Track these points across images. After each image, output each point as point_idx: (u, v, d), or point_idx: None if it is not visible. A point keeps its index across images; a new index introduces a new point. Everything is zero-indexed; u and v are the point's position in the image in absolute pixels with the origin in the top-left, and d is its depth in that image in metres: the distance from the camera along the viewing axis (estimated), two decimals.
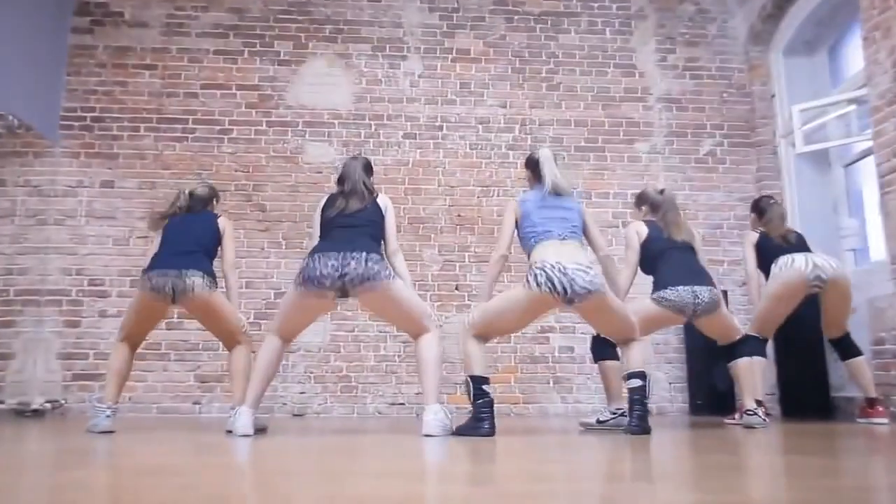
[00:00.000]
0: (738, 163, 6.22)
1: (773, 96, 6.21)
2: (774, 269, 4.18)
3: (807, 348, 4.98)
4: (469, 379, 3.21)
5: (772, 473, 1.82)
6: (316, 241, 3.39)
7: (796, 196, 5.86)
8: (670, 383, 5.76)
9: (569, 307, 3.21)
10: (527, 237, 3.36)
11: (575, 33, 6.36)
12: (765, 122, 6.20)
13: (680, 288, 3.71)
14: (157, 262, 3.56)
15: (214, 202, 4.06)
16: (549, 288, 3.10)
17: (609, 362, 3.80)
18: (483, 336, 3.31)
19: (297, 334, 3.43)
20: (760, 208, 4.53)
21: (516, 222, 3.45)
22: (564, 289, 3.09)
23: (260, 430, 3.35)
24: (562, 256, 3.16)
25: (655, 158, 6.15)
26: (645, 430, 3.14)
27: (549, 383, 5.71)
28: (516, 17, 6.36)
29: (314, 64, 6.14)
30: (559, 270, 3.11)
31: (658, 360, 5.74)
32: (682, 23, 6.44)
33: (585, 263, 3.18)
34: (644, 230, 4.01)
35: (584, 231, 3.47)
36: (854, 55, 5.51)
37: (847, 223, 5.56)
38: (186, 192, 3.94)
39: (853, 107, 5.28)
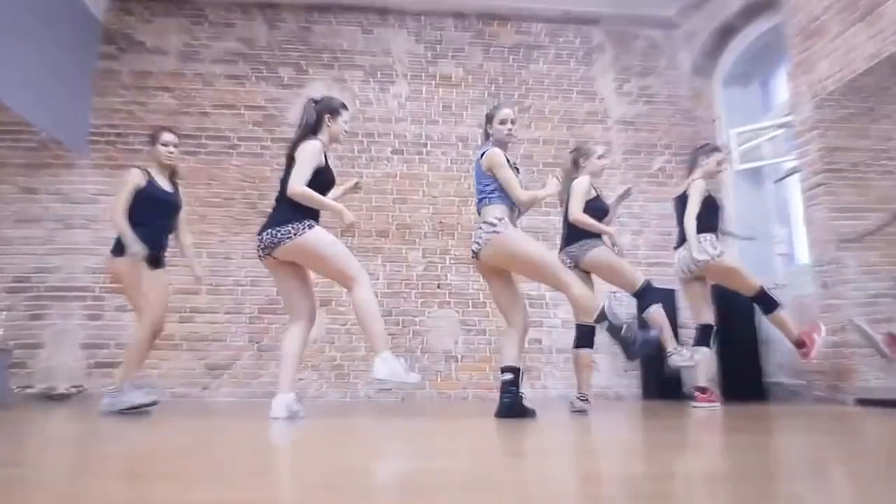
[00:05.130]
0: (685, 178, 6.28)
1: (714, 120, 6.31)
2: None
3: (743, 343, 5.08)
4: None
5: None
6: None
7: (735, 207, 5.94)
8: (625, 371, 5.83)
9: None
10: None
11: (543, 63, 6.43)
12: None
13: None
14: None
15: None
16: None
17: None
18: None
19: (295, 308, 3.41)
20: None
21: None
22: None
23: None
24: None
25: (613, 173, 6.19)
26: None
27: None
28: (492, 49, 6.42)
29: (313, 87, 6.13)
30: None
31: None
32: (636, 56, 6.53)
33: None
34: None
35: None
36: (781, 87, 5.63)
37: (777, 231, 5.66)
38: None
39: (781, 131, 5.38)
